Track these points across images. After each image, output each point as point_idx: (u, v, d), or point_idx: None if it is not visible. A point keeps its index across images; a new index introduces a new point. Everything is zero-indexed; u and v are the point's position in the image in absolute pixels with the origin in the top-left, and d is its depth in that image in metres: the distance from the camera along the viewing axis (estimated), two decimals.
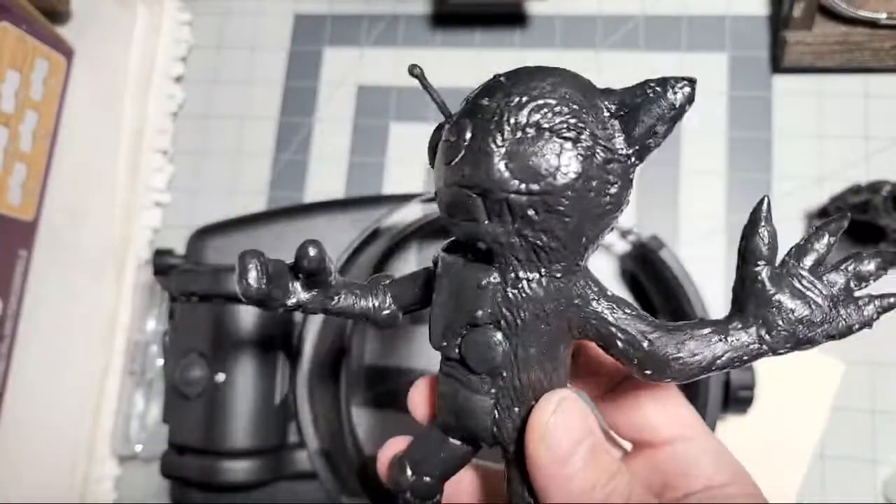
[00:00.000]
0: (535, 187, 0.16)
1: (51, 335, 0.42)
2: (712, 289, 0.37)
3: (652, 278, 0.35)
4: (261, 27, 0.47)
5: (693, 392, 0.33)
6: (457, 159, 0.17)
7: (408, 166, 0.44)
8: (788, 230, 0.40)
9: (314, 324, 0.30)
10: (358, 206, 0.33)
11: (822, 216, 0.38)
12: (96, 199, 0.43)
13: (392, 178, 0.44)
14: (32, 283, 0.43)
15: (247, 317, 0.29)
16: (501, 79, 0.17)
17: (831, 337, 0.17)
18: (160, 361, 0.38)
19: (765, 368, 0.33)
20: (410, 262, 0.42)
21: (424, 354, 0.41)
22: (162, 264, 0.32)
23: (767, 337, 0.17)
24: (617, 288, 0.38)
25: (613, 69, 0.43)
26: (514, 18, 0.45)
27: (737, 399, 0.33)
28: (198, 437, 0.29)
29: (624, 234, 0.34)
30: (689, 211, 0.41)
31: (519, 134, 0.16)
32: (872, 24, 0.38)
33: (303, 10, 0.47)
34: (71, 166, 0.44)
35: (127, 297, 0.42)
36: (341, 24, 0.47)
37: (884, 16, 0.38)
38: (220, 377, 0.28)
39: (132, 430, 0.36)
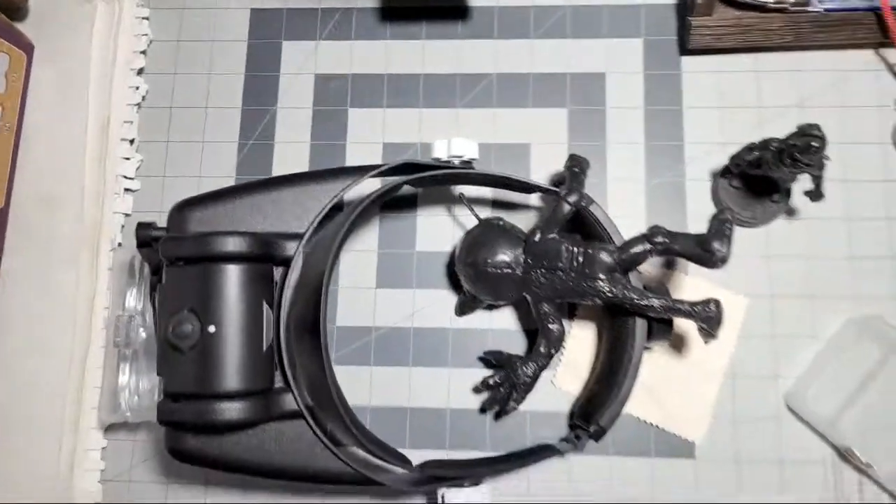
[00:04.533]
0: None
1: (29, 319, 0.42)
2: None
3: (586, 225, 0.38)
4: (219, 21, 0.48)
5: (624, 324, 0.37)
6: None
7: (366, 146, 0.46)
8: (699, 187, 0.44)
9: (292, 280, 0.32)
10: (326, 177, 0.35)
11: (725, 174, 0.42)
12: (67, 188, 0.43)
13: (352, 158, 0.46)
14: (5, 270, 0.42)
15: (233, 274, 0.31)
16: None
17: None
18: (143, 334, 0.38)
19: None
20: (373, 227, 0.44)
21: (392, 316, 0.43)
22: (145, 237, 0.33)
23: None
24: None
25: (545, 55, 0.46)
26: (456, 11, 0.48)
27: (659, 329, 0.37)
28: (192, 383, 0.30)
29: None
30: (615, 175, 0.44)
31: None
32: (761, 7, 0.43)
33: (258, 4, 0.48)
34: (39, 157, 0.44)
35: (103, 278, 0.43)
36: (296, 17, 0.48)
37: (770, 1, 0.42)
38: (212, 328, 0.30)
39: (121, 399, 0.37)
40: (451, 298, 0.43)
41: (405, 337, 0.43)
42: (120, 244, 0.44)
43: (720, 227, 0.33)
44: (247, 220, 0.33)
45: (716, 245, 0.33)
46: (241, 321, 0.30)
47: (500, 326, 0.43)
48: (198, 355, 0.30)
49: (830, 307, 0.42)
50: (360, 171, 0.35)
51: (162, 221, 0.39)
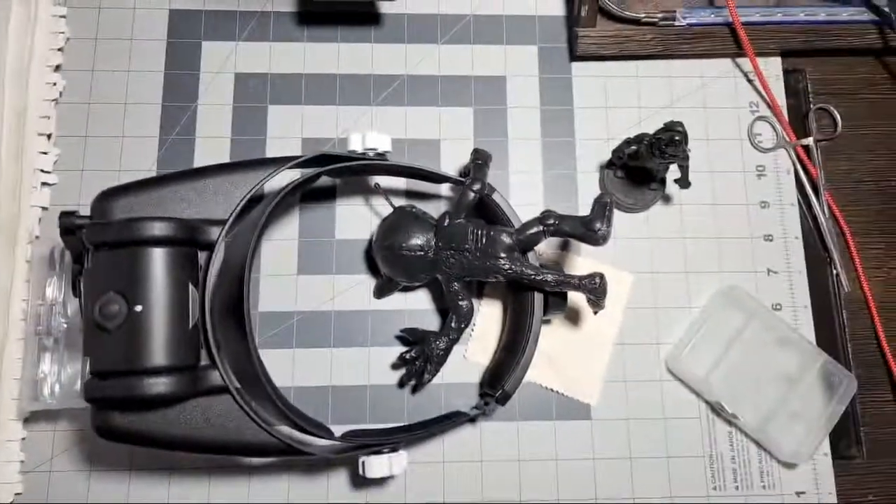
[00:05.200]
0: None
1: None
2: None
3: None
4: (137, 21, 0.49)
5: (524, 298, 0.41)
6: None
7: (285, 141, 0.48)
8: (589, 178, 0.49)
9: (215, 264, 0.34)
10: (247, 167, 0.37)
11: (609, 165, 0.48)
12: None
13: (272, 152, 0.48)
14: None
15: (159, 257, 0.32)
16: None
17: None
18: (63, 323, 0.39)
19: None
20: (293, 218, 0.47)
21: (313, 301, 0.45)
22: (68, 224, 0.34)
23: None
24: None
25: (450, 59, 0.50)
26: (369, 17, 0.51)
27: (555, 303, 0.41)
28: (120, 361, 0.31)
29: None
30: (515, 168, 0.49)
31: None
32: (636, 21, 0.49)
33: (177, 6, 0.50)
34: None
35: (21, 270, 0.43)
36: (215, 19, 0.50)
37: (643, 15, 0.48)
38: (138, 308, 0.31)
39: (43, 387, 0.37)
40: (369, 282, 0.46)
41: (326, 320, 0.45)
42: (38, 237, 0.44)
43: (601, 209, 0.38)
44: (171, 208, 0.35)
45: (597, 224, 0.38)
46: (167, 301, 0.32)
47: (416, 307, 0.46)
48: (125, 334, 0.31)
49: (702, 281, 0.48)
50: (280, 162, 0.37)
51: (82, 213, 0.40)
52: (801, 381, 0.45)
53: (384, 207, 0.46)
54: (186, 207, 0.35)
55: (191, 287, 0.33)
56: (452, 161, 0.49)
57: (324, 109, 0.49)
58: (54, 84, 0.46)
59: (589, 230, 0.38)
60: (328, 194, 0.48)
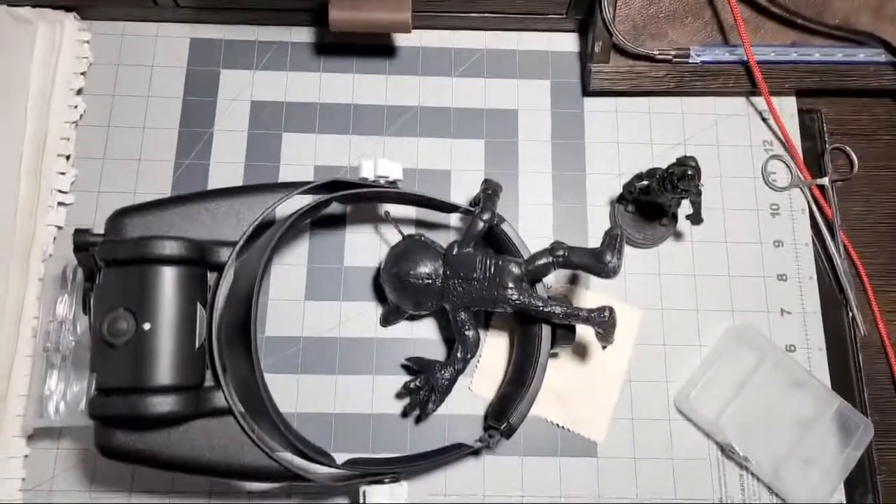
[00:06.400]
0: None
1: None
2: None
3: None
4: (158, 48, 0.50)
5: (531, 330, 0.40)
6: None
7: (298, 168, 0.49)
8: (599, 211, 0.49)
9: (224, 285, 0.34)
10: (259, 190, 0.38)
11: (620, 200, 0.48)
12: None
13: (285, 178, 0.48)
14: None
15: (169, 276, 0.32)
16: None
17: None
18: (72, 341, 0.39)
19: None
20: (303, 243, 0.47)
21: (319, 327, 0.45)
22: (81, 241, 0.34)
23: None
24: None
25: (463, 91, 0.51)
26: (384, 49, 0.52)
27: (563, 336, 0.41)
28: (125, 378, 0.31)
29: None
30: (526, 200, 0.49)
31: None
32: (650, 58, 0.49)
33: (198, 35, 0.51)
34: None
35: (33, 288, 0.43)
36: (234, 48, 0.51)
37: (656, 52, 0.48)
38: (147, 325, 0.31)
39: (49, 404, 0.37)
40: (376, 310, 0.46)
41: (332, 346, 0.45)
42: (51, 255, 0.44)
43: (611, 241, 0.38)
44: (183, 228, 0.35)
45: (608, 257, 0.37)
46: (176, 320, 0.32)
47: (422, 336, 0.46)
48: (132, 351, 0.31)
49: (713, 318, 0.47)
50: (292, 187, 0.38)
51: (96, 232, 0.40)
52: (816, 426, 0.43)
53: (393, 235, 0.46)
54: (199, 228, 0.35)
55: (199, 307, 0.33)
56: (463, 192, 0.49)
57: (337, 138, 0.50)
58: (75, 107, 0.47)
59: (599, 262, 0.37)
60: (338, 221, 0.48)
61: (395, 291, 0.42)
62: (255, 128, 0.49)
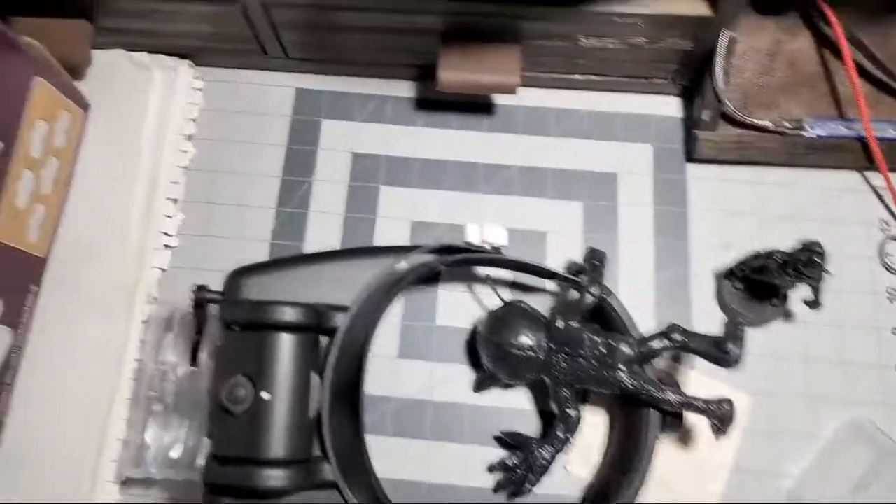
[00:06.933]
0: None
1: (56, 367, 0.42)
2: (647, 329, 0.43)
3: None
4: (266, 96, 0.51)
5: (638, 414, 0.38)
6: None
7: (395, 222, 0.48)
8: (701, 286, 0.47)
9: (334, 350, 0.34)
10: (373, 254, 0.37)
11: (729, 276, 0.46)
12: (109, 241, 0.45)
13: (382, 232, 0.48)
14: (39, 316, 0.43)
15: (288, 343, 0.32)
16: None
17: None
18: (173, 389, 0.39)
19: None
20: (398, 301, 0.46)
21: (411, 387, 0.44)
22: (201, 298, 0.34)
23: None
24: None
25: (561, 152, 0.50)
26: (483, 106, 0.51)
27: (671, 422, 0.39)
28: (242, 448, 0.31)
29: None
30: (625, 267, 0.47)
31: None
32: (761, 128, 0.47)
33: (303, 84, 0.52)
34: (86, 209, 0.45)
35: (136, 330, 0.43)
36: (337, 100, 0.51)
37: (770, 124, 0.47)
38: (265, 395, 0.31)
39: (146, 454, 0.37)
40: (468, 374, 0.45)
41: (423, 409, 0.44)
42: (156, 298, 0.45)
43: (734, 330, 0.36)
44: (299, 290, 0.35)
45: (731, 346, 0.36)
46: (292, 389, 0.31)
47: (516, 406, 0.44)
48: (249, 420, 0.31)
49: (827, 409, 0.44)
50: (405, 251, 0.37)
51: (199, 277, 0.40)
52: None
53: (489, 297, 0.45)
54: (314, 291, 0.35)
55: (313, 375, 0.33)
56: (559, 254, 0.48)
57: (433, 194, 0.49)
58: (185, 152, 0.48)
59: (721, 352, 0.36)
60: (432, 277, 0.47)
61: (494, 360, 0.41)
62: (354, 179, 0.49)
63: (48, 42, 0.43)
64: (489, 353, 0.41)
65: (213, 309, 0.37)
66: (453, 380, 0.45)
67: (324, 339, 0.34)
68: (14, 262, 0.41)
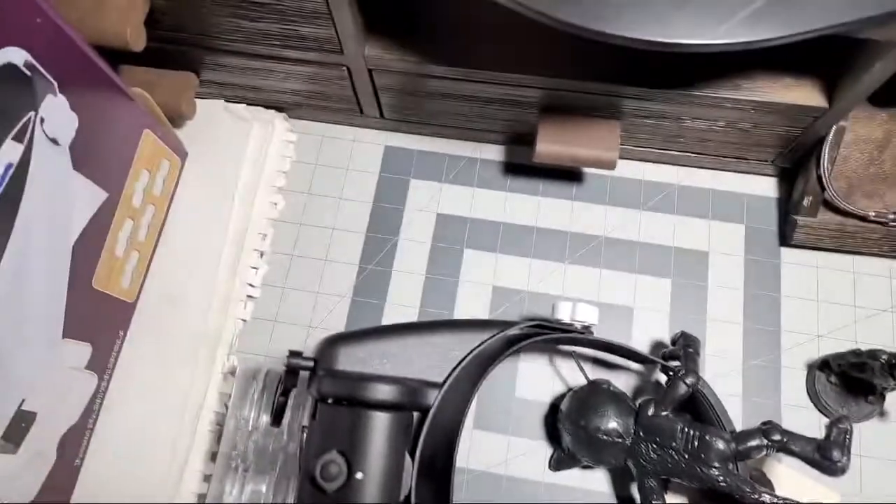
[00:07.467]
0: None
1: (135, 414, 0.42)
2: (733, 418, 0.42)
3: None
4: (355, 152, 0.52)
5: None
6: None
7: (477, 287, 0.48)
8: (793, 375, 0.45)
9: (426, 429, 0.33)
10: (465, 328, 0.37)
11: (823, 367, 0.44)
12: (195, 289, 0.45)
13: (463, 296, 0.48)
14: (124, 361, 0.44)
15: (383, 423, 0.31)
16: None
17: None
18: (253, 447, 0.39)
19: None
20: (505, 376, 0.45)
21: (485, 459, 0.43)
22: (294, 366, 0.34)
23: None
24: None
25: (651, 226, 0.49)
26: (572, 175, 0.51)
27: None
28: None
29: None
30: (712, 351, 0.46)
31: None
32: (863, 218, 0.46)
33: (392, 143, 0.52)
34: (175, 257, 0.46)
35: (216, 380, 0.43)
36: (425, 159, 0.52)
37: (873, 214, 0.45)
38: (359, 475, 0.30)
39: None
40: (545, 450, 0.44)
41: (498, 483, 0.43)
42: (237, 349, 0.45)
43: (839, 435, 0.34)
44: (392, 363, 0.34)
45: (836, 454, 0.34)
46: (386, 470, 0.31)
47: (593, 487, 0.43)
48: (341, 499, 0.30)
49: None
50: (498, 326, 0.37)
51: (279, 330, 0.40)
52: None
53: (570, 372, 0.44)
54: (406, 365, 0.35)
55: (406, 456, 0.32)
56: (644, 332, 0.46)
57: (517, 260, 0.49)
58: (276, 204, 0.49)
59: (825, 458, 0.34)
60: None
61: (577, 442, 0.40)
62: (438, 241, 0.49)
63: (155, 92, 0.44)
64: (573, 435, 0.40)
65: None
66: (529, 455, 0.44)
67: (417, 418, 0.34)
68: (108, 309, 0.42)
